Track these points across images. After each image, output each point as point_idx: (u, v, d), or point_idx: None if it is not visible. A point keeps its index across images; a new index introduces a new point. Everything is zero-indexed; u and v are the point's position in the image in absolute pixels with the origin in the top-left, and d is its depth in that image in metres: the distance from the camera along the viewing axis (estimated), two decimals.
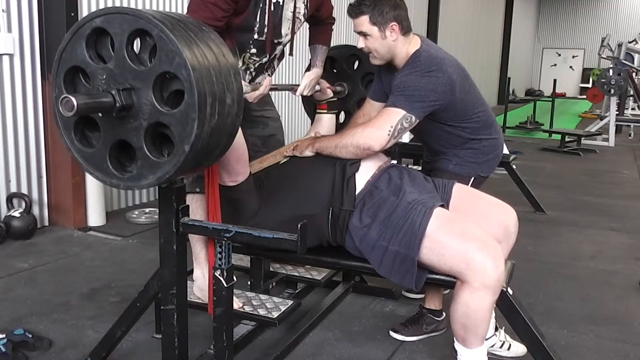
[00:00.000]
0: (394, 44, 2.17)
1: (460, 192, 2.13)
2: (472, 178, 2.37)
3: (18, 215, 3.63)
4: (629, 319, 2.79)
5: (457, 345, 1.95)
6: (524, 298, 2.93)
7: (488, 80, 15.50)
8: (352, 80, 2.74)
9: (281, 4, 2.24)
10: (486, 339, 2.09)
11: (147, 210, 4.27)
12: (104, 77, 1.44)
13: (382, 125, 2.05)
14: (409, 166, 4.17)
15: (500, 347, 2.31)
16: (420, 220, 1.86)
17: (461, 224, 1.91)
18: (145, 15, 1.38)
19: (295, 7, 2.28)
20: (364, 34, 2.18)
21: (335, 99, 2.58)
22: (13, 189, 3.77)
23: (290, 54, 2.47)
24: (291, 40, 2.38)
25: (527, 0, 19.13)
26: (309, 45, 2.54)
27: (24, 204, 3.71)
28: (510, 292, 1.91)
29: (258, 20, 2.18)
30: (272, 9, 2.21)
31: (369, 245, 1.93)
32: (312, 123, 2.63)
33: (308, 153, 2.15)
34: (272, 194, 2.03)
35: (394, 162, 2.18)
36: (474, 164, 2.37)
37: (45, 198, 3.94)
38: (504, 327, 2.29)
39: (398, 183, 2.02)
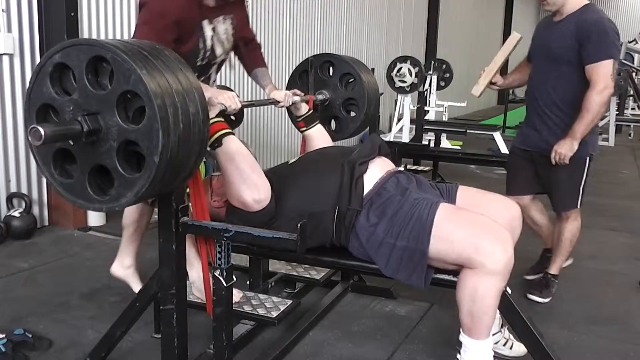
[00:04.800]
0: None
1: (464, 193, 2.16)
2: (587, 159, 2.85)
3: (18, 215, 3.64)
4: (629, 319, 2.79)
5: (462, 337, 1.93)
6: (524, 298, 2.93)
7: None
8: (331, 85, 2.81)
9: (215, 28, 2.37)
10: (493, 334, 2.09)
11: None
12: (71, 108, 1.50)
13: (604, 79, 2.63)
14: (409, 166, 4.19)
15: (504, 345, 2.31)
16: (427, 213, 1.87)
17: (468, 212, 1.93)
18: (98, 43, 1.46)
19: (226, 29, 2.44)
20: None
21: (309, 113, 2.56)
22: (13, 189, 3.77)
23: (232, 67, 2.77)
24: (226, 59, 2.56)
25: (527, 0, 19.13)
26: (250, 71, 2.68)
27: (24, 204, 3.71)
28: (510, 291, 1.91)
29: (201, 46, 2.31)
30: (213, 33, 2.35)
31: (376, 244, 1.92)
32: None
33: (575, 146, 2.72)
34: (280, 192, 2.03)
35: (401, 168, 2.19)
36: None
37: (45, 198, 3.94)
38: (507, 326, 2.29)
39: (405, 186, 2.03)
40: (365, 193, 1.99)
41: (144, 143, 1.44)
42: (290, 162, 2.21)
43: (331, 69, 2.83)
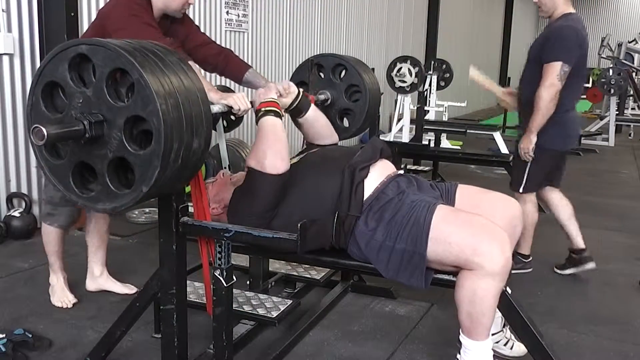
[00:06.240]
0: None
1: (464, 192, 2.15)
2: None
3: (18, 215, 3.64)
4: (629, 319, 2.79)
5: (462, 338, 1.93)
6: (524, 298, 2.93)
7: None
8: (337, 90, 2.77)
9: None
10: (493, 334, 2.08)
11: (147, 210, 4.27)
12: (80, 101, 1.49)
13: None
14: (409, 166, 4.19)
15: (504, 345, 2.31)
16: (424, 215, 1.86)
17: (465, 214, 1.92)
18: (127, 56, 1.41)
19: None
20: None
21: (299, 99, 2.35)
22: (13, 189, 3.77)
23: None
24: None
25: (527, 0, 19.13)
26: (241, 79, 2.67)
27: (24, 204, 3.71)
28: (510, 291, 1.91)
29: None
30: None
31: (375, 248, 1.92)
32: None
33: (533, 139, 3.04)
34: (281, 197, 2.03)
35: (401, 172, 2.18)
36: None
37: None
38: (508, 326, 2.29)
39: (405, 189, 2.03)
40: (365, 198, 1.98)
41: (139, 170, 1.45)
42: (291, 162, 2.19)
43: (342, 73, 2.78)
